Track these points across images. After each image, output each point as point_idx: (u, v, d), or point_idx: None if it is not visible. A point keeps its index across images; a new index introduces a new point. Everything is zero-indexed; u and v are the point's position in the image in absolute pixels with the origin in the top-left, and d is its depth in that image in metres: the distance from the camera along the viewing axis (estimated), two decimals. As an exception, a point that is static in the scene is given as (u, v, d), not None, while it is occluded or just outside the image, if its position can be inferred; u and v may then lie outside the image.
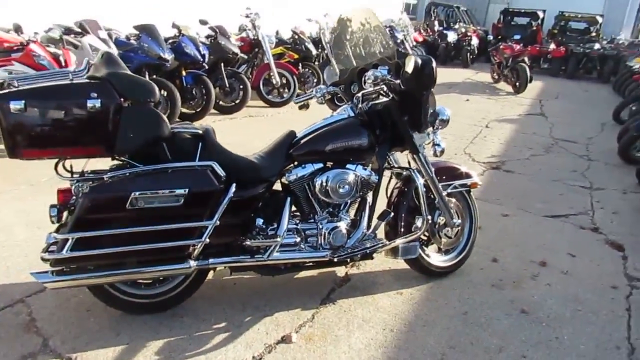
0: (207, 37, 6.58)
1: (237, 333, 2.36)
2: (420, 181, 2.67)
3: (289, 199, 2.53)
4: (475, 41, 15.48)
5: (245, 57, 7.39)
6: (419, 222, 2.69)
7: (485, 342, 2.42)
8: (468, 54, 15.02)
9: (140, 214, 2.06)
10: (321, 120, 2.69)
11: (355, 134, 2.57)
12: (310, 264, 2.58)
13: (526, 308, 2.72)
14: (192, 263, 2.25)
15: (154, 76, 5.51)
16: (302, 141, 2.55)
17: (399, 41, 12.45)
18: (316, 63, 8.33)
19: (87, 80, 2.05)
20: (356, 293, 2.75)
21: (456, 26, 16.54)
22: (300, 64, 7.87)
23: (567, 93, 11.40)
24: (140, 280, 2.39)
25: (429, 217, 2.74)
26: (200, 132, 2.30)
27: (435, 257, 2.92)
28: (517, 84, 10.51)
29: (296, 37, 8.03)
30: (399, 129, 2.66)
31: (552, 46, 14.76)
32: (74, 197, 2.15)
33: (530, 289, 2.93)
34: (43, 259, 2.05)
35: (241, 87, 6.63)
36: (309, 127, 2.64)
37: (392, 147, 2.76)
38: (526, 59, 10.64)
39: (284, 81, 7.34)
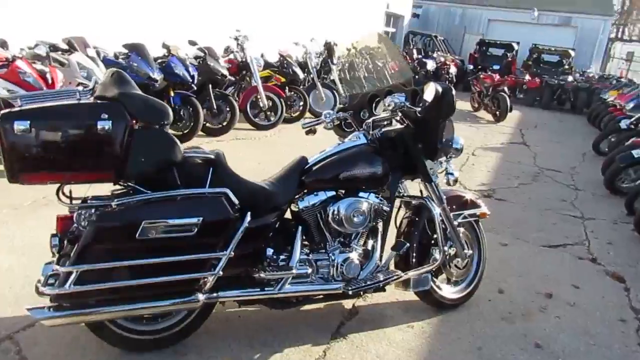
0: (196, 58, 6.47)
1: (247, 373, 2.21)
2: (436, 210, 2.60)
3: (300, 227, 2.42)
4: (453, 70, 15.83)
5: (233, 79, 7.31)
6: (436, 254, 2.61)
7: (504, 379, 2.33)
8: (447, 82, 15.28)
9: (150, 245, 1.92)
10: (332, 146, 2.61)
11: (369, 162, 2.49)
12: (322, 296, 2.45)
13: (540, 342, 2.65)
14: (200, 297, 2.10)
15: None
16: (315, 168, 2.46)
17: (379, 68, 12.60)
18: (302, 87, 8.30)
19: (96, 101, 1.92)
20: (366, 327, 2.63)
21: (434, 55, 16.88)
22: (287, 88, 7.82)
23: (544, 123, 11.68)
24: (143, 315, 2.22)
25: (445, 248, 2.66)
26: (212, 156, 2.18)
27: (446, 289, 2.84)
28: (498, 113, 10.71)
29: (283, 60, 8.01)
30: (412, 157, 2.60)
31: (527, 77, 15.18)
32: (75, 225, 1.99)
33: (541, 322, 2.86)
34: (41, 294, 1.88)
35: (229, 109, 6.52)
36: (321, 154, 2.55)
37: (403, 175, 2.69)
38: (506, 88, 10.88)
39: (271, 104, 7.27)
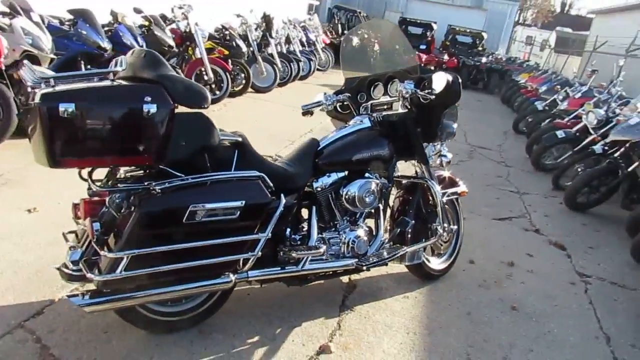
0: (140, 27, 6.14)
1: (275, 347, 2.31)
2: (437, 189, 2.82)
3: (314, 208, 2.53)
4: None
5: (176, 50, 7.03)
6: (439, 228, 2.84)
7: (495, 339, 2.64)
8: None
9: (196, 228, 1.94)
10: (338, 129, 2.71)
11: (378, 145, 2.64)
12: (334, 272, 2.59)
13: (515, 305, 3.01)
14: (232, 277, 2.16)
15: (88, 67, 5.04)
16: (328, 151, 2.56)
17: (311, 42, 12.70)
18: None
19: (139, 83, 1.87)
20: (367, 299, 2.82)
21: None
22: (229, 61, 7.67)
23: (464, 103, 12.39)
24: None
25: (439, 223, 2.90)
26: (239, 139, 2.21)
27: (433, 261, 3.10)
28: (425, 91, 11.23)
29: (226, 32, 7.81)
30: (412, 140, 2.78)
31: (446, 57, 15.99)
32: (106, 209, 1.96)
33: (510, 288, 3.23)
34: (87, 280, 1.84)
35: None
36: (330, 136, 2.65)
37: (400, 157, 2.86)
38: (432, 68, 11.44)
39: (217, 78, 7.11)
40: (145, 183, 1.92)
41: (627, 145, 4.73)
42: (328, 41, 15.27)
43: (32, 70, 1.81)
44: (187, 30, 6.99)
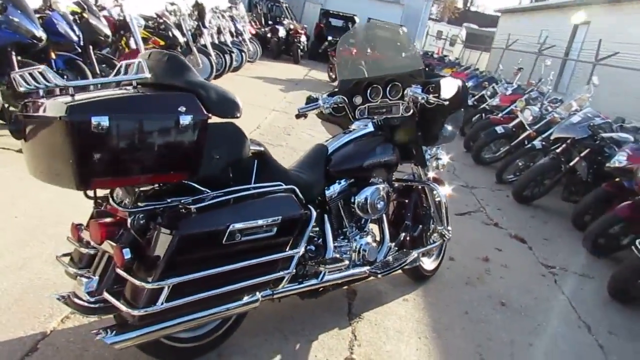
0: (72, 14, 5.57)
1: (300, 364, 2.21)
2: (440, 192, 2.85)
3: (326, 217, 2.44)
4: (304, 39, 16.17)
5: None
6: (445, 232, 2.87)
7: (497, 336, 2.74)
8: (298, 50, 15.61)
9: (235, 249, 1.79)
10: (343, 134, 2.64)
11: (386, 150, 2.61)
12: (351, 281, 2.53)
13: (504, 301, 3.14)
14: (259, 295, 2.03)
15: (19, 58, 4.49)
16: (337, 158, 2.48)
17: (239, 32, 12.35)
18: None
19: (171, 92, 1.68)
20: (371, 304, 2.80)
21: (285, 22, 16.99)
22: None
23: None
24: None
25: (435, 225, 2.93)
26: (261, 149, 2.07)
27: (425, 262, 3.14)
28: (357, 85, 11.39)
29: (161, 21, 7.35)
30: (413, 144, 2.78)
31: (369, 51, 16.26)
32: (126, 231, 1.74)
33: (493, 283, 3.37)
34: (127, 317, 1.62)
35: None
36: (335, 142, 2.57)
37: (401, 161, 2.85)
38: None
39: (155, 70, 6.66)
40: (170, 200, 1.73)
41: (569, 142, 5.10)
42: (254, 31, 14.96)
43: (45, 74, 1.56)
44: (121, 18, 6.48)
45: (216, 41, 9.79)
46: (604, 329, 3.05)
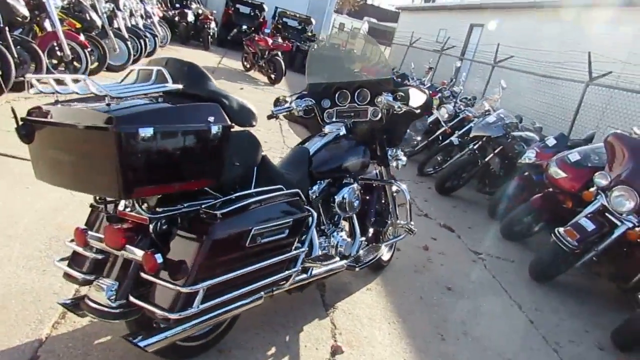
0: (-17, -10, 5.05)
1: (294, 354, 2.37)
2: (405, 189, 3.11)
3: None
4: (213, 25, 15.80)
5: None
6: (411, 227, 3.13)
7: (450, 318, 3.09)
8: (209, 36, 15.24)
9: (256, 250, 1.89)
10: (319, 137, 2.79)
11: (361, 152, 2.82)
12: (331, 274, 2.71)
13: (450, 286, 3.51)
14: (262, 293, 2.14)
15: None
16: (319, 159, 2.63)
17: (149, 15, 11.81)
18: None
19: (200, 103, 1.74)
20: (341, 295, 3.01)
21: (193, 6, 16.45)
22: (81, 35, 6.78)
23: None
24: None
25: (399, 220, 3.21)
26: (263, 154, 2.17)
27: (384, 254, 3.40)
28: (274, 76, 11.48)
29: (75, 2, 6.86)
30: (378, 146, 3.02)
31: (280, 40, 16.33)
32: (149, 236, 1.78)
33: (437, 270, 3.75)
34: (162, 320, 1.66)
35: (32, 58, 5.38)
36: (314, 144, 2.71)
37: None
38: (280, 52, 11.70)
39: (73, 55, 6.25)
40: (187, 205, 1.80)
41: (484, 139, 5.69)
42: (161, 14, 14.34)
43: (96, 84, 1.55)
44: (36, -3, 5.96)
45: (129, 24, 9.32)
46: (531, 306, 3.55)
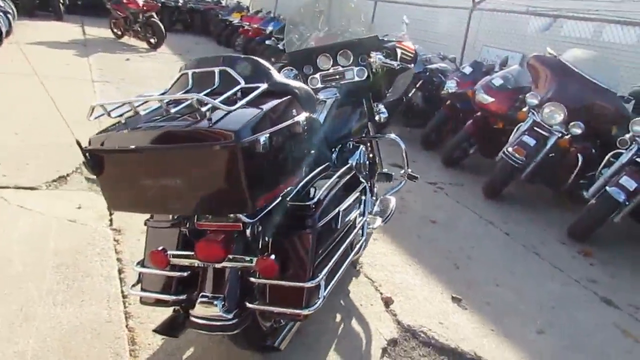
0: None
1: (358, 315, 2.53)
2: (399, 139, 3.26)
3: None
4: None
5: None
6: (413, 173, 3.31)
7: (451, 247, 3.45)
8: (59, 3, 13.53)
9: (345, 228, 2.00)
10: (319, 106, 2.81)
11: (360, 113, 2.90)
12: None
13: (433, 219, 3.85)
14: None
15: None
16: (330, 129, 2.66)
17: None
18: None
19: (283, 99, 1.71)
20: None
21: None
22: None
23: (190, 47, 12.30)
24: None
25: None
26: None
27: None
28: (153, 40, 10.69)
29: None
30: (365, 102, 3.12)
31: (148, -1, 15.05)
32: (247, 240, 1.77)
33: (414, 207, 4.08)
34: (296, 317, 1.69)
35: None
36: (319, 115, 2.73)
37: None
38: (154, 13, 10.87)
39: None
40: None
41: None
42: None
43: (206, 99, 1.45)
44: None
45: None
46: (500, 221, 4.04)
